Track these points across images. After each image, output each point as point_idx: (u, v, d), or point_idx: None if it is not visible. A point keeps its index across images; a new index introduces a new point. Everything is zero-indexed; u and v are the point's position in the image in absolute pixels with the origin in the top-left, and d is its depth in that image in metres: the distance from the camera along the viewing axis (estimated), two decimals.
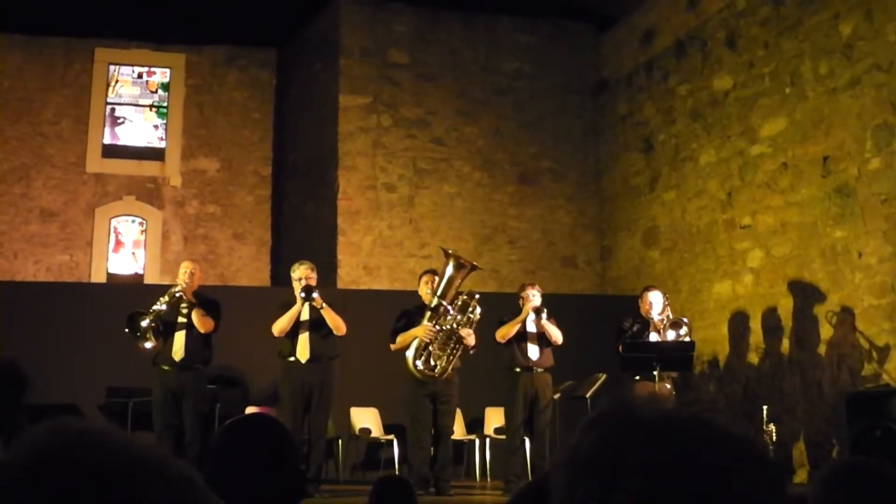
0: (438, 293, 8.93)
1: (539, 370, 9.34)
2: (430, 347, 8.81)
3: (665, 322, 9.43)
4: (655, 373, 8.97)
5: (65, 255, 15.01)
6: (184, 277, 9.00)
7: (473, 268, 9.18)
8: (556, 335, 9.33)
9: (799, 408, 10.42)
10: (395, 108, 14.14)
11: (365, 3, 14.24)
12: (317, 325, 8.82)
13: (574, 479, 0.98)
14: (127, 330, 8.79)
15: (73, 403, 9.85)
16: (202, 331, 8.91)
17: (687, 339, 9.48)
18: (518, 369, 9.31)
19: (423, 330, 8.81)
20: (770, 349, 10.99)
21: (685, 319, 9.73)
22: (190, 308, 8.90)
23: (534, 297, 9.40)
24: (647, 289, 9.83)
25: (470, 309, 8.96)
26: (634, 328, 9.52)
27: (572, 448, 1.01)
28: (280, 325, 8.81)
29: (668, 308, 9.61)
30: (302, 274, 8.87)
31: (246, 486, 2.34)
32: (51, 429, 0.93)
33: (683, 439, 0.97)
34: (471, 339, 8.90)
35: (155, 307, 8.83)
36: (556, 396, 9.63)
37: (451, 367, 8.84)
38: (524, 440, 9.58)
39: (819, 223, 10.30)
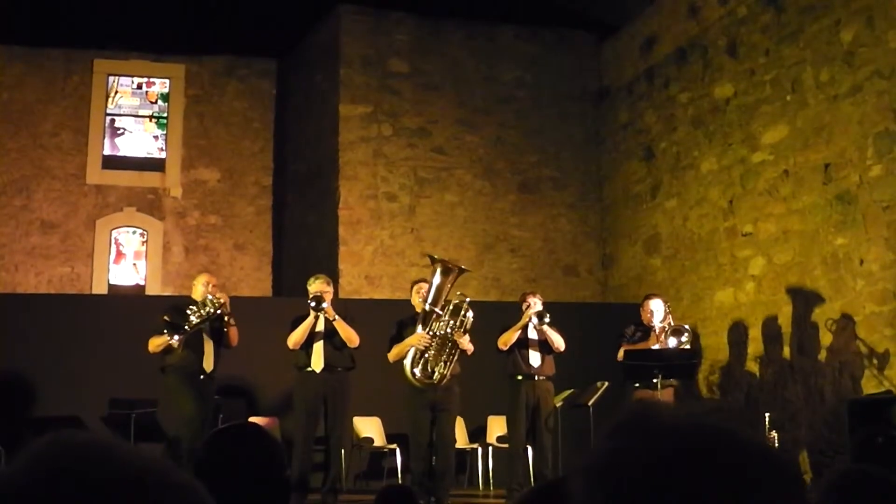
0: (429, 300, 8.89)
1: (541, 378, 9.32)
2: (427, 355, 8.78)
3: (666, 329, 9.39)
4: (657, 381, 8.93)
5: (66, 267, 15.00)
6: (211, 291, 8.87)
7: (461, 271, 9.08)
8: (558, 341, 9.30)
9: (801, 415, 10.40)
10: (395, 118, 14.13)
11: (365, 12, 14.24)
12: (331, 335, 8.88)
13: (593, 486, 0.98)
14: (166, 318, 8.63)
15: (76, 415, 9.85)
16: (234, 344, 8.95)
17: (687, 346, 9.46)
18: (520, 377, 9.29)
19: (418, 338, 8.74)
20: (772, 356, 10.98)
21: (686, 327, 9.67)
22: (227, 321, 8.89)
23: (535, 304, 9.39)
24: (649, 297, 9.76)
25: (462, 312, 8.89)
26: (636, 336, 9.48)
27: (592, 454, 1.00)
28: (294, 338, 8.85)
29: (670, 316, 9.58)
30: (318, 288, 8.90)
31: (230, 494, 2.33)
32: (53, 440, 0.92)
33: (704, 447, 0.97)
34: (468, 346, 8.85)
35: (201, 312, 8.68)
36: (559, 405, 9.62)
37: (449, 373, 8.78)
38: (526, 449, 9.57)
39: (820, 230, 10.30)
